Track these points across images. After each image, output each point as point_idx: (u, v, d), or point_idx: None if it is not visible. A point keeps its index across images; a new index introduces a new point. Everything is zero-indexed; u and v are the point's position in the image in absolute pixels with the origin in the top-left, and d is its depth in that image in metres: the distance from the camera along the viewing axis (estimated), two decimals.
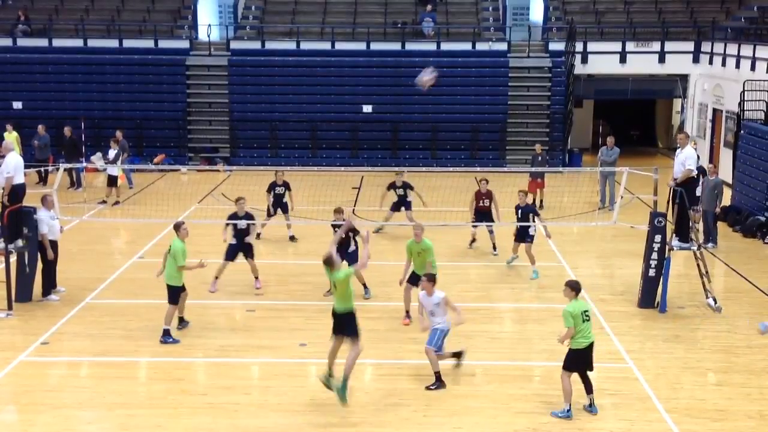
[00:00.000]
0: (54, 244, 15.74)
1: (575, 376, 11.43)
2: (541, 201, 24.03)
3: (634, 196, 22.25)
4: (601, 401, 11.83)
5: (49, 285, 15.81)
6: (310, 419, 11.22)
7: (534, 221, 17.53)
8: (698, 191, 20.53)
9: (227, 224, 16.72)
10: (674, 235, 15.79)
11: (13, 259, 15.38)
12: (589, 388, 11.50)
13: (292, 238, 20.20)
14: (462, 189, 23.94)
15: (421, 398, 11.89)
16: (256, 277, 16.55)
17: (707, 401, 11.90)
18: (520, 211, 17.57)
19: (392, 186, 20.48)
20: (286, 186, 19.85)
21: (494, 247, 19.14)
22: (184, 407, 11.56)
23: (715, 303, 15.54)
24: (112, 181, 24.03)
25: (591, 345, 11.41)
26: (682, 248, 15.81)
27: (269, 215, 20.07)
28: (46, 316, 14.88)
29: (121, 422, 11.17)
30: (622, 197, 18.13)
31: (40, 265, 15.77)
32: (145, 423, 11.14)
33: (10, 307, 14.93)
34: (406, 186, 20.40)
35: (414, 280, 14.55)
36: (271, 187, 19.91)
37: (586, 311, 11.35)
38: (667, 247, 15.47)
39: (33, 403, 11.64)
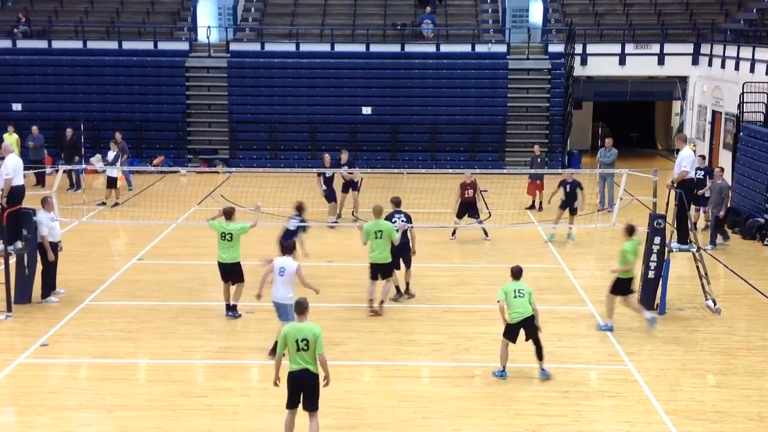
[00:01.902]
0: (54, 246, 15.73)
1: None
2: (540, 203, 24.04)
3: (633, 198, 22.26)
4: (601, 403, 11.85)
5: (49, 287, 15.80)
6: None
7: (579, 195, 19.77)
8: (706, 193, 20.80)
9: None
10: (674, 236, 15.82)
11: (12, 260, 15.37)
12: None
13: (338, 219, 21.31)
14: None
15: (421, 400, 11.89)
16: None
17: (707, 403, 11.90)
18: (568, 186, 19.80)
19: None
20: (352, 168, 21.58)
21: (485, 233, 19.92)
22: (183, 409, 11.56)
23: (715, 305, 15.54)
24: (111, 182, 24.03)
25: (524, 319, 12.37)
26: (682, 250, 15.81)
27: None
28: (46, 318, 14.88)
29: (120, 424, 11.17)
30: (621, 199, 18.13)
31: (39, 267, 15.76)
32: (144, 425, 11.13)
33: (9, 309, 14.92)
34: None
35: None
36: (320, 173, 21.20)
37: (520, 289, 12.39)
38: (666, 249, 15.47)
39: (32, 405, 11.63)
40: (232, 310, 15.04)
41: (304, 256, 16.11)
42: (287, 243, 13.44)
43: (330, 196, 21.64)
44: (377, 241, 14.94)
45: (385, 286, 15.18)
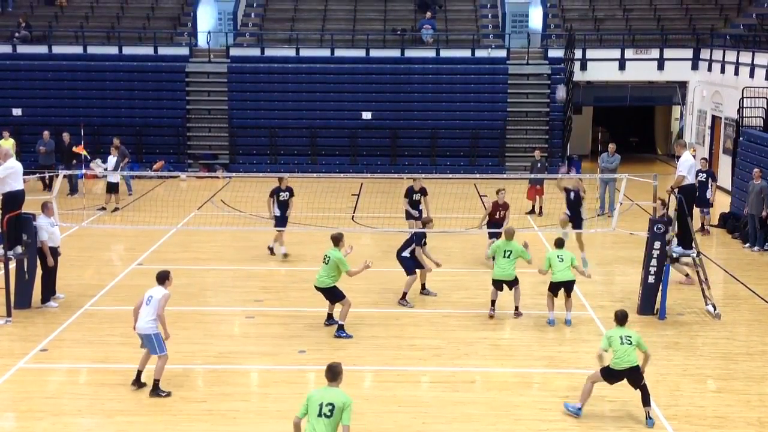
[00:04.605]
0: (54, 251, 15.73)
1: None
2: (540, 207, 24.04)
3: (632, 203, 22.27)
4: (601, 408, 11.83)
5: (49, 292, 15.80)
6: None
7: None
8: (708, 194, 21.04)
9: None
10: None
11: (12, 265, 15.36)
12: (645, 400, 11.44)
13: (270, 250, 19.34)
14: (461, 195, 24.00)
15: (421, 405, 11.89)
16: None
17: (707, 408, 11.89)
18: (572, 194, 18.82)
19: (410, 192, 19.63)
20: (290, 191, 19.23)
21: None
22: (183, 414, 11.55)
23: (715, 310, 15.53)
24: (111, 187, 24.02)
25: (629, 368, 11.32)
26: (683, 255, 15.80)
27: (277, 223, 19.13)
28: (45, 323, 14.87)
29: (120, 429, 11.16)
30: (621, 203, 18.14)
31: (39, 272, 15.75)
32: (144, 430, 11.13)
33: (9, 314, 14.91)
34: (423, 192, 19.58)
35: None
36: (274, 192, 19.16)
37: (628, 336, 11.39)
38: (666, 254, 15.46)
39: (32, 410, 11.63)
40: (339, 329, 14.48)
41: (436, 266, 16.44)
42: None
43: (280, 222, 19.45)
44: (505, 259, 15.19)
45: (515, 293, 15.38)
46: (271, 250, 19.31)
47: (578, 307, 16.00)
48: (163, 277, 12.26)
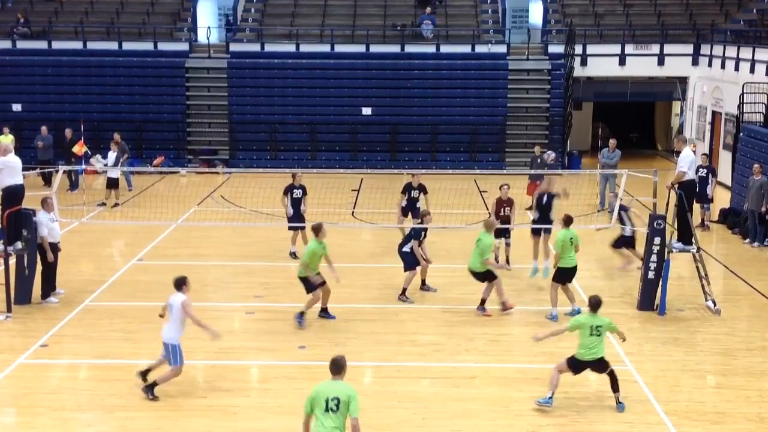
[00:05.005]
0: (54, 247, 15.72)
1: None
2: None
3: (633, 199, 22.26)
4: (601, 404, 11.84)
5: (49, 287, 15.80)
6: None
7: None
8: (708, 190, 21.05)
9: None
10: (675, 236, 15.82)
11: (12, 261, 15.37)
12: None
13: (293, 255, 18.75)
14: (461, 191, 23.98)
15: (420, 401, 11.89)
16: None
17: (706, 404, 11.90)
18: (545, 197, 17.64)
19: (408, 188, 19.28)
20: (303, 189, 18.64)
21: (507, 261, 17.74)
22: (183, 410, 11.56)
23: (715, 305, 15.54)
24: (111, 183, 24.03)
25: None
26: (682, 250, 15.81)
27: (291, 222, 18.60)
28: (46, 319, 14.88)
29: (120, 425, 11.17)
30: (621, 199, 18.12)
31: (39, 268, 15.75)
32: (144, 425, 11.14)
33: (9, 310, 14.92)
34: (422, 189, 19.22)
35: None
36: (288, 189, 18.63)
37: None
38: (666, 249, 15.48)
39: (32, 406, 11.64)
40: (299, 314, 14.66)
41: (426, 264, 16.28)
42: None
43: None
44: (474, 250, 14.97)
45: (488, 286, 15.22)
46: (293, 254, 18.64)
47: (578, 302, 15.98)
48: (179, 283, 11.86)
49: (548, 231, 17.42)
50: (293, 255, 18.58)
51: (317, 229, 14.59)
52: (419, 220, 16.52)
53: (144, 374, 12.05)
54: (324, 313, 14.92)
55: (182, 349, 11.81)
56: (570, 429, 11.14)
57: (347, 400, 8.78)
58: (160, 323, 14.49)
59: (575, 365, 11.57)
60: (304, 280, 14.53)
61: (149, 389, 11.84)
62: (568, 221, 15.01)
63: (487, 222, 15.45)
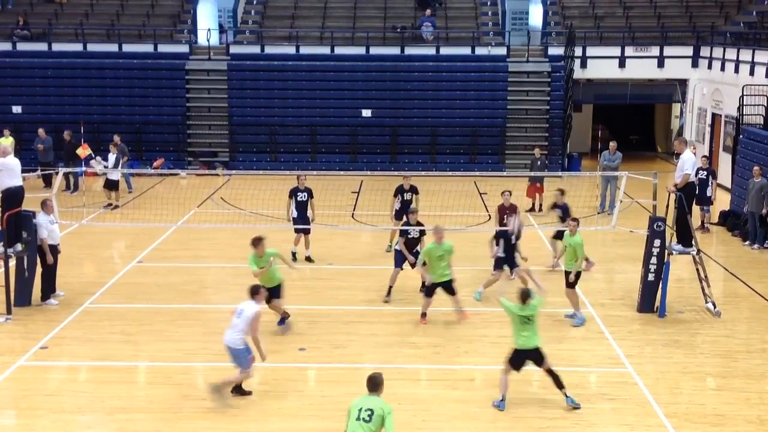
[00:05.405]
0: (54, 249, 15.72)
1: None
2: (540, 205, 24.04)
3: (632, 201, 22.27)
4: (601, 406, 11.84)
5: (49, 289, 15.80)
6: (309, 424, 11.21)
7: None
8: (708, 192, 21.07)
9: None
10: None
11: (12, 263, 15.36)
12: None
13: (309, 259, 18.70)
14: (461, 193, 24.00)
15: (420, 403, 11.90)
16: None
17: (707, 406, 11.90)
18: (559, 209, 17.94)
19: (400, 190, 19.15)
20: (309, 192, 18.45)
21: (511, 270, 17.10)
22: (183, 412, 11.55)
23: (715, 307, 15.54)
24: (111, 185, 24.04)
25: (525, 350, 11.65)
26: (682, 252, 15.81)
27: (297, 231, 18.50)
28: (45, 321, 14.87)
29: (120, 427, 11.16)
30: (621, 201, 18.13)
31: (39, 270, 15.75)
32: (144, 427, 11.13)
33: (9, 312, 14.92)
34: (413, 190, 19.14)
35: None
36: (293, 193, 18.45)
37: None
38: (666, 252, 15.48)
39: (32, 408, 11.63)
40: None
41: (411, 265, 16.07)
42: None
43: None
44: (439, 262, 14.55)
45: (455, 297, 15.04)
46: (294, 255, 18.56)
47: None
48: (254, 292, 11.78)
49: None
50: (294, 256, 18.54)
51: (254, 243, 14.16)
52: (410, 219, 16.28)
53: (239, 389, 11.88)
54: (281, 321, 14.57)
55: (247, 350, 11.65)
56: (570, 431, 11.13)
57: (382, 414, 8.93)
58: (159, 326, 14.55)
59: (514, 357, 11.65)
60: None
61: (237, 392, 11.76)
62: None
63: (436, 231, 14.71)
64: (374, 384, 9.20)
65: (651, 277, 15.44)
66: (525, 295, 11.61)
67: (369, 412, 8.92)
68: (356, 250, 19.78)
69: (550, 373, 11.70)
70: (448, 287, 14.72)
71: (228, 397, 11.77)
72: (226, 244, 20.19)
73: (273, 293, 14.12)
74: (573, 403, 11.64)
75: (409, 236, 16.14)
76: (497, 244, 16.18)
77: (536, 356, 11.63)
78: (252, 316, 11.56)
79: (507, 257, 15.94)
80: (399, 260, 15.99)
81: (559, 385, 11.68)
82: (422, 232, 16.29)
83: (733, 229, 22.00)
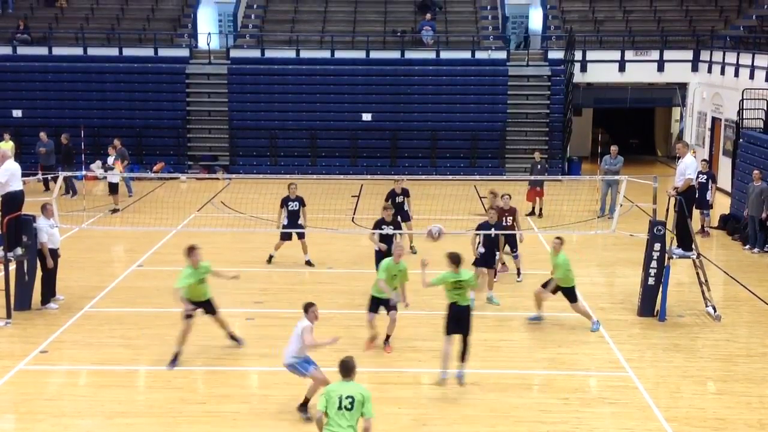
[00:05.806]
0: (54, 253, 15.72)
1: None
2: (540, 209, 24.05)
3: (632, 205, 22.28)
4: (601, 410, 11.83)
5: (49, 293, 15.80)
6: (308, 428, 11.19)
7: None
8: (708, 196, 21.08)
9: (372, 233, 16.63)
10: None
11: (12, 267, 15.36)
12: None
13: (309, 263, 18.65)
14: (461, 197, 24.00)
15: (420, 407, 11.88)
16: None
17: (707, 410, 11.89)
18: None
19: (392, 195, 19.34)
20: (300, 201, 18.32)
21: (518, 273, 17.66)
22: (183, 416, 11.55)
23: (715, 311, 15.53)
24: (113, 188, 24.05)
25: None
26: (682, 256, 15.80)
27: (282, 237, 18.46)
28: (45, 325, 14.87)
29: (120, 431, 11.16)
30: (621, 205, 18.14)
31: (39, 274, 15.74)
32: None
33: (9, 316, 14.91)
34: (405, 193, 19.38)
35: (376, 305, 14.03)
36: (284, 202, 18.33)
37: None
38: (666, 255, 15.47)
39: (32, 412, 11.62)
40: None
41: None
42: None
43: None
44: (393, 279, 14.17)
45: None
46: (270, 258, 18.71)
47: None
48: (306, 308, 11.47)
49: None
50: (270, 258, 18.76)
51: (189, 252, 13.69)
52: (384, 215, 16.63)
53: (303, 407, 11.63)
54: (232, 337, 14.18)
55: (305, 361, 11.47)
56: None
57: (362, 399, 8.95)
58: (159, 330, 14.55)
59: (451, 320, 12.36)
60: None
61: (302, 408, 11.51)
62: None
63: (396, 249, 14.34)
64: (347, 369, 9.17)
65: (651, 281, 15.43)
66: (456, 258, 12.19)
67: (350, 400, 8.93)
68: (356, 254, 19.77)
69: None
70: (387, 305, 14.06)
71: (305, 414, 11.45)
72: (226, 247, 20.19)
73: (207, 309, 13.69)
74: (460, 375, 12.21)
75: (383, 232, 16.40)
76: (480, 243, 16.25)
77: (465, 316, 12.38)
78: (302, 334, 11.28)
79: (487, 254, 16.16)
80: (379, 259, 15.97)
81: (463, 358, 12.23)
82: (397, 228, 16.84)
83: (733, 233, 22.01)
